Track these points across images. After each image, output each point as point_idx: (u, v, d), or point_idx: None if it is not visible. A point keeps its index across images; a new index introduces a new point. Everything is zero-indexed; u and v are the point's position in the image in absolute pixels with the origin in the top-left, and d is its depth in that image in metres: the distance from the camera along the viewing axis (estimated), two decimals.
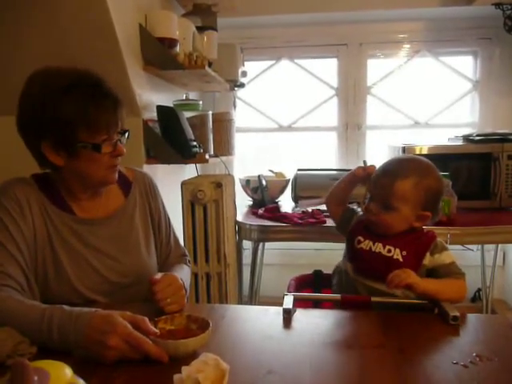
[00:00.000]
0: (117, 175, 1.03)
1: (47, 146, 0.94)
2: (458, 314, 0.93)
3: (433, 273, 1.09)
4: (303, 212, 2.06)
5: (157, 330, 0.79)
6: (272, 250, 2.69)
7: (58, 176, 1.02)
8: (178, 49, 1.84)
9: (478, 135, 2.23)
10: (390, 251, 1.10)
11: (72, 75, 0.95)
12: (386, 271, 1.02)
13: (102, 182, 1.02)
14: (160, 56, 1.78)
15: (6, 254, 0.92)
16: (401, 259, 1.08)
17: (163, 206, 1.22)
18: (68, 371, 0.53)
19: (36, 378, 0.50)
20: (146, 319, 0.80)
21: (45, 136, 0.94)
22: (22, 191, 0.98)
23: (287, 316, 0.97)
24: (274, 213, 2.08)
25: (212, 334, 0.82)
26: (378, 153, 2.69)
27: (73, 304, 0.86)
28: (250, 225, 2.02)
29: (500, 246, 2.60)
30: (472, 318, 0.98)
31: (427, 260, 1.09)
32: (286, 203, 2.40)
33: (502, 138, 2.16)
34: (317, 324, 0.95)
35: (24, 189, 0.98)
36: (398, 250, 1.09)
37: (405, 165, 1.12)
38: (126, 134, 1.02)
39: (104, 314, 0.79)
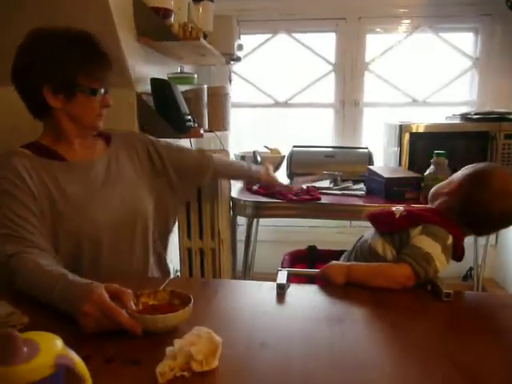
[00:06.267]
0: (101, 124, 1.15)
1: (48, 89, 1.04)
2: (451, 291, 0.94)
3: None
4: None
5: (134, 307, 0.78)
6: (266, 226, 2.70)
7: (52, 123, 1.10)
8: (172, 19, 1.78)
9: (475, 114, 2.21)
10: (397, 209, 1.16)
11: (76, 31, 1.07)
12: (383, 221, 1.16)
13: (91, 126, 1.14)
14: (154, 26, 1.73)
15: (25, 221, 0.99)
16: (397, 216, 1.13)
17: (157, 141, 1.35)
18: (58, 342, 0.52)
19: (25, 349, 0.49)
20: (130, 293, 0.80)
21: (47, 80, 1.04)
22: (19, 161, 1.04)
23: (281, 291, 0.97)
24: (269, 189, 2.06)
25: (205, 308, 0.82)
26: (374, 130, 2.67)
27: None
28: (245, 201, 2.01)
29: None
30: (465, 295, 0.99)
31: (416, 232, 1.07)
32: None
33: (500, 117, 2.14)
34: (310, 299, 0.96)
35: (20, 159, 1.05)
36: (400, 209, 1.15)
37: (485, 164, 1.17)
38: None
39: (86, 283, 0.82)
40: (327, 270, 1.04)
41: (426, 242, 1.03)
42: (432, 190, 1.21)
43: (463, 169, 1.15)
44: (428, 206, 1.20)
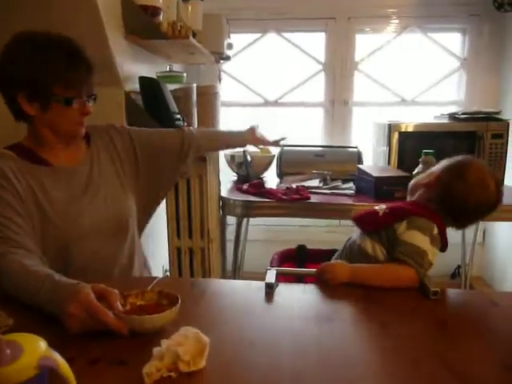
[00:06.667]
0: (84, 130, 1.14)
1: (23, 96, 1.03)
2: (438, 289, 0.94)
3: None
4: (288, 188, 2.05)
5: (121, 308, 0.77)
6: (256, 226, 2.70)
7: (33, 129, 1.09)
8: (161, 18, 1.77)
9: (463, 113, 2.23)
10: (380, 207, 1.16)
11: (54, 38, 1.05)
12: (368, 221, 1.16)
13: (71, 134, 1.12)
14: (143, 25, 1.71)
15: (10, 221, 0.98)
16: (380, 214, 1.14)
17: (133, 130, 1.31)
18: (42, 344, 0.51)
19: (8, 351, 0.48)
20: (117, 293, 0.79)
21: (22, 88, 1.03)
22: (5, 163, 1.04)
23: (269, 290, 0.96)
24: (259, 188, 2.06)
25: (194, 307, 0.81)
26: (363, 129, 2.68)
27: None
28: (235, 200, 2.00)
29: (480, 224, 2.65)
30: (453, 293, 1.00)
31: (402, 227, 1.08)
32: (271, 179, 2.38)
33: (487, 117, 2.17)
34: (299, 298, 0.96)
35: (6, 161, 1.05)
36: (383, 207, 1.16)
37: (463, 157, 1.16)
38: (93, 97, 1.12)
39: (72, 283, 0.81)
40: (333, 267, 1.03)
41: (415, 237, 1.04)
42: (411, 182, 1.22)
43: (442, 161, 1.17)
44: (407, 200, 1.21)
